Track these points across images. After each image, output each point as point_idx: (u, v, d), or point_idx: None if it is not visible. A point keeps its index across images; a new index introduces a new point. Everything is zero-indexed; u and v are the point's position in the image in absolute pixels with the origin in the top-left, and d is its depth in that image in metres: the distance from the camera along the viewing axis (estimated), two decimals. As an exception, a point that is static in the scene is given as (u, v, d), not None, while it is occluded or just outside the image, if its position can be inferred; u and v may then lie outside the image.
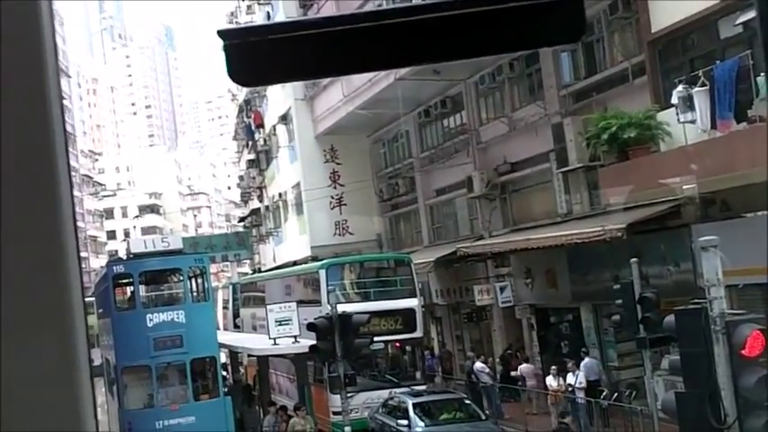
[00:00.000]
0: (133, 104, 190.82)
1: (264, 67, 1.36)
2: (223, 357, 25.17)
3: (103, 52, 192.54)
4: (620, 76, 21.25)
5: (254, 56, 1.34)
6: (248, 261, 59.10)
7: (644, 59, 19.48)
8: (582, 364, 21.79)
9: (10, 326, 1.14)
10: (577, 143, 21.44)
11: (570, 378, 21.39)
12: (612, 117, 18.88)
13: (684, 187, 17.04)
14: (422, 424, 19.56)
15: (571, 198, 23.31)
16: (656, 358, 17.38)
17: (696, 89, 16.17)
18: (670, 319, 10.28)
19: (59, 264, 1.16)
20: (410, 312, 23.75)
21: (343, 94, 32.37)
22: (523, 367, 24.72)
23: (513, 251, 25.01)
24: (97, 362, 24.39)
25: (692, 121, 16.35)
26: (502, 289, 26.16)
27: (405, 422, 19.59)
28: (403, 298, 23.88)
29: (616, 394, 20.57)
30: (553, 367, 22.42)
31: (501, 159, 26.76)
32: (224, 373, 24.72)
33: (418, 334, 24.07)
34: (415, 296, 24.17)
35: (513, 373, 24.97)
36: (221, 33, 1.36)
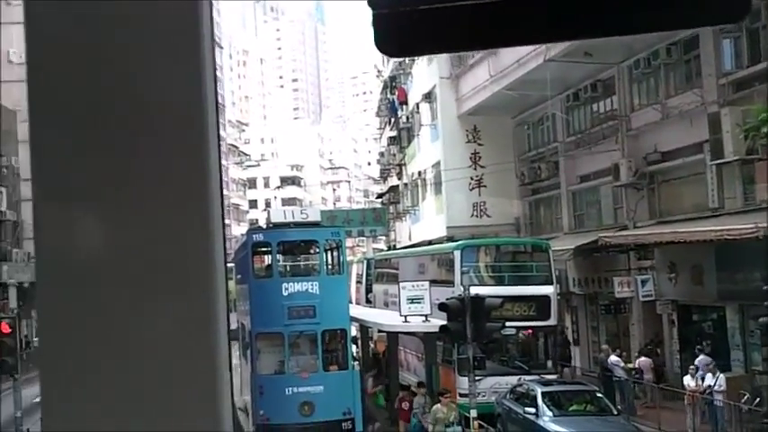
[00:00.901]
0: (281, 77, 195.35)
1: (413, 37, 1.30)
2: (353, 331, 25.34)
3: (255, 25, 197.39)
4: (786, 65, 20.02)
5: (403, 26, 1.28)
6: (384, 237, 59.53)
7: (815, 48, 18.28)
8: (696, 360, 21.24)
9: (155, 287, 1.17)
10: (735, 135, 20.42)
11: (710, 379, 20.52)
12: (776, 108, 17.83)
13: None
14: (550, 413, 19.17)
15: (724, 192, 22.30)
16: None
17: None
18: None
19: (205, 229, 1.19)
20: (545, 300, 23.33)
21: (490, 74, 31.97)
22: (642, 360, 24.27)
23: (658, 244, 24.13)
24: (233, 326, 25.02)
25: None
26: (643, 282, 25.32)
27: (532, 410, 19.26)
28: (538, 284, 23.47)
29: (758, 399, 19.56)
30: (692, 366, 21.57)
31: (651, 148, 25.81)
32: (353, 347, 24.90)
33: (552, 322, 23.61)
34: (551, 283, 23.70)
35: (629, 365, 24.27)
36: (371, 2, 1.29)
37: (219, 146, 1.25)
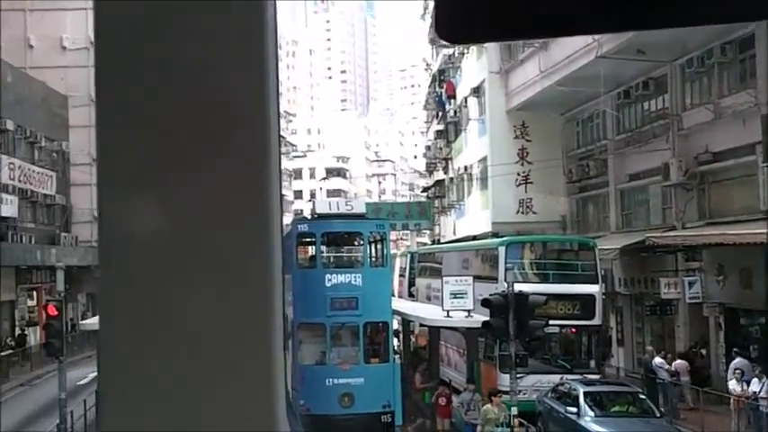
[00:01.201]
0: (329, 68, 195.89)
1: (476, 24, 1.24)
2: (395, 324, 25.32)
3: (305, 16, 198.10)
4: None
5: (466, 12, 1.23)
6: (428, 232, 59.42)
7: None
8: (733, 363, 21.03)
9: (214, 275, 1.20)
10: (789, 136, 20.02)
11: (755, 385, 20.18)
12: (833, 110, 17.42)
13: None
14: (591, 413, 18.97)
15: (776, 194, 21.85)
16: None
17: None
18: None
19: (265, 219, 1.22)
20: (590, 299, 23.09)
21: (540, 70, 31.70)
22: (678, 363, 23.99)
23: (707, 245, 23.77)
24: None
25: None
26: (690, 284, 24.97)
27: (574, 410, 19.08)
28: (584, 283, 23.23)
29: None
30: (737, 370, 21.21)
31: (702, 148, 25.40)
32: (395, 340, 24.88)
33: (596, 321, 23.35)
34: (596, 282, 23.44)
35: (667, 368, 23.97)
36: None
37: (280, 139, 1.27)
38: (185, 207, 1.20)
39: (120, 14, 1.19)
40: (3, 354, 34.52)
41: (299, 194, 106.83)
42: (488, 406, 18.66)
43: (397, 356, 24.19)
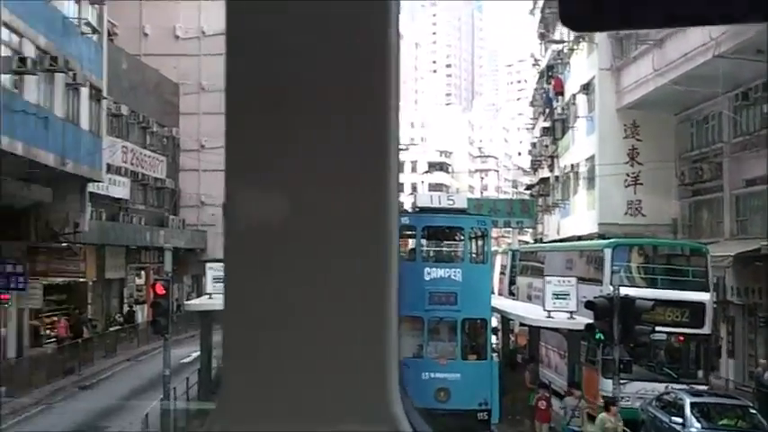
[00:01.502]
0: (434, 62, 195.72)
1: (601, 11, 1.21)
2: (494, 322, 25.01)
3: (412, 9, 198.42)
4: None
5: None
6: (530, 230, 58.71)
7: None
8: None
9: (336, 274, 1.21)
10: None
11: None
12: None
13: None
14: (698, 425, 18.35)
15: None
16: None
17: None
18: None
19: (383, 216, 1.24)
20: (699, 306, 22.35)
21: (654, 68, 30.78)
22: None
23: (828, 256, 22.62)
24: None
25: None
26: (808, 296, 23.86)
27: (679, 420, 18.49)
28: (693, 290, 22.51)
29: None
30: None
31: (826, 153, 24.21)
32: (493, 338, 24.58)
33: (705, 330, 22.58)
34: (707, 290, 22.65)
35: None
36: None
37: (399, 139, 1.29)
38: (308, 203, 1.22)
39: (250, 14, 1.22)
40: (112, 329, 35.75)
41: (400, 187, 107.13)
42: (605, 415, 17.97)
43: (495, 355, 23.89)
